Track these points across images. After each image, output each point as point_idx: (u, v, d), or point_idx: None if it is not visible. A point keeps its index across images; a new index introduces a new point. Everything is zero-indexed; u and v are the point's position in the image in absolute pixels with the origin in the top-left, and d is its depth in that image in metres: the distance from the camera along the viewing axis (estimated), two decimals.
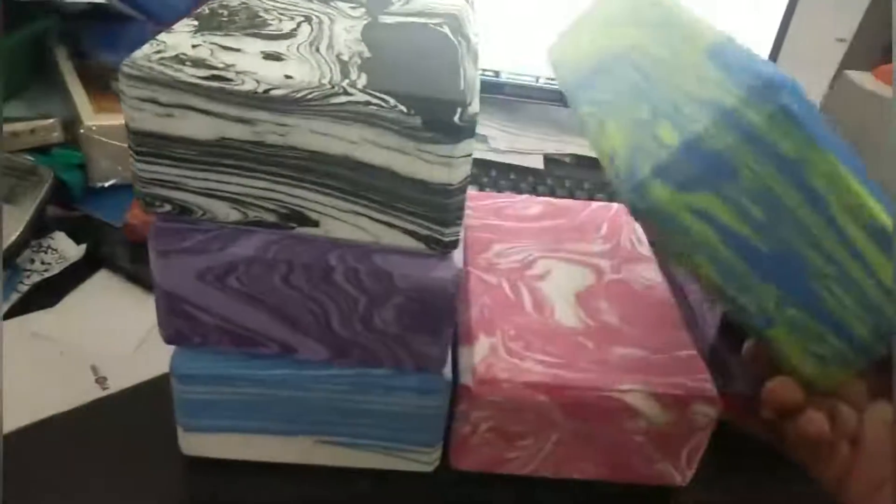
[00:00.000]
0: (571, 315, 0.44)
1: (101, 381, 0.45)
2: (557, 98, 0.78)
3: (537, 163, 0.74)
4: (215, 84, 0.29)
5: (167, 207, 0.32)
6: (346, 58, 0.32)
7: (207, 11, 0.36)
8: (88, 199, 0.61)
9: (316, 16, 0.37)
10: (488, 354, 0.40)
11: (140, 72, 0.30)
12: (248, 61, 0.30)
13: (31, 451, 0.40)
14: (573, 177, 0.72)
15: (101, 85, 0.66)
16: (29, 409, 0.42)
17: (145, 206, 0.33)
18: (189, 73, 0.29)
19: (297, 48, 0.33)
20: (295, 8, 0.38)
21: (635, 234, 0.54)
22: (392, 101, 0.29)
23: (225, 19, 0.35)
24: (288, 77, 0.30)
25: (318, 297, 0.34)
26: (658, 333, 0.43)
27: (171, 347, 0.37)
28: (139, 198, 0.32)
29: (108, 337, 0.48)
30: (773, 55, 0.76)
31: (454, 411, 0.39)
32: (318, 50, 0.33)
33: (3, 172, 0.53)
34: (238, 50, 0.31)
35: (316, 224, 0.32)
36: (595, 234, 0.54)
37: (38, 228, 0.54)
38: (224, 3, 0.37)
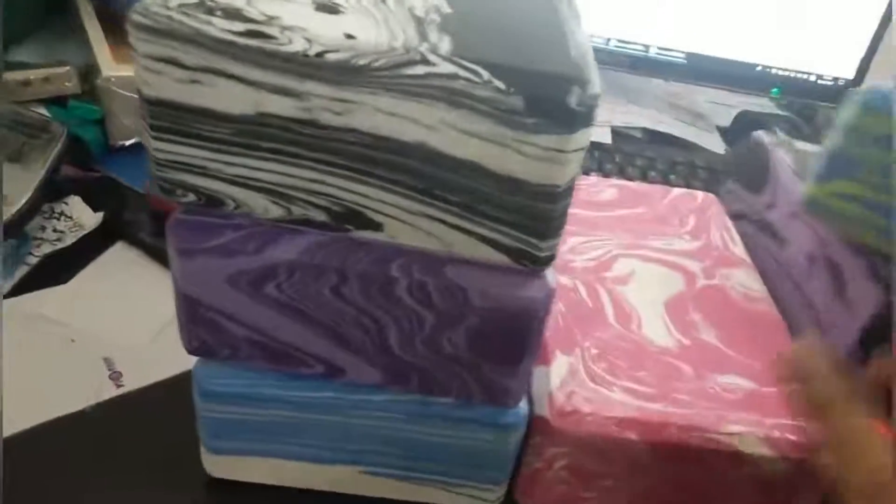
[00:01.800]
0: (661, 330, 0.37)
1: (115, 376, 0.39)
2: (628, 63, 0.69)
3: (604, 136, 0.66)
4: (253, 42, 0.22)
5: (190, 197, 0.26)
6: (420, 13, 0.25)
7: None
8: (108, 159, 0.54)
9: None
10: (568, 379, 0.33)
11: (155, 22, 0.23)
12: (295, 13, 0.23)
13: (37, 457, 0.35)
14: (644, 154, 0.64)
15: (122, 32, 0.59)
16: (36, 408, 0.37)
17: (162, 192, 0.26)
18: (219, 27, 0.22)
19: None
20: None
21: (728, 231, 0.46)
22: (485, 75, 0.22)
23: None
24: (349, 37, 0.23)
25: (374, 313, 0.27)
26: (767, 358, 0.36)
27: None
28: (154, 183, 0.26)
29: (125, 323, 0.42)
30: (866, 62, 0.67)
31: (525, 443, 0.33)
32: (383, 1, 0.26)
33: (10, 127, 0.47)
34: None
35: (378, 227, 0.26)
36: (681, 227, 0.46)
37: (51, 192, 0.48)
38: None
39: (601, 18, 0.68)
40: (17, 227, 0.45)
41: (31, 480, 0.34)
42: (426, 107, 0.23)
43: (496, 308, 0.27)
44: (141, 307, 0.44)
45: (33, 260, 0.45)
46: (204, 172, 0.25)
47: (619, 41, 0.68)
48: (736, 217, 0.48)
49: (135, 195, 0.52)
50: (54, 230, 0.47)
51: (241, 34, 0.22)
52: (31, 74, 0.52)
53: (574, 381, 0.33)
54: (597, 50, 0.69)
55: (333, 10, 0.24)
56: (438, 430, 0.31)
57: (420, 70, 0.22)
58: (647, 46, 0.68)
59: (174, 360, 0.40)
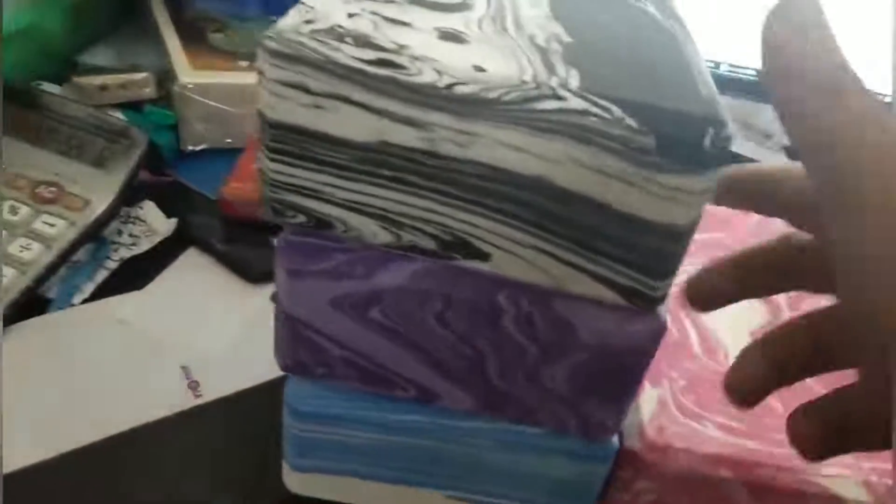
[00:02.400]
0: None
1: (193, 385, 0.40)
2: (739, 88, 0.68)
3: None
4: (383, 72, 0.22)
5: (301, 218, 0.26)
6: (542, 43, 0.25)
7: None
8: (178, 163, 0.55)
9: None
10: (658, 412, 0.33)
11: (289, 48, 0.23)
12: (422, 42, 0.23)
13: (113, 466, 0.35)
14: None
15: (197, 37, 0.59)
16: (110, 416, 0.37)
17: (273, 214, 0.26)
18: (350, 55, 0.22)
19: (479, 25, 0.25)
20: None
21: None
22: (617, 112, 0.22)
23: None
24: (479, 69, 0.22)
25: (476, 341, 0.27)
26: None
27: (270, 352, 0.31)
28: (266, 204, 0.26)
29: (202, 331, 0.43)
30: None
31: (612, 476, 0.32)
32: (504, 29, 0.25)
33: (90, 132, 0.48)
34: (407, 24, 0.24)
35: (485, 257, 0.25)
36: None
37: (128, 197, 0.49)
38: None
39: (712, 42, 0.67)
40: (98, 231, 0.45)
41: (107, 491, 0.34)
42: (551, 142, 0.22)
43: (604, 344, 0.26)
44: (216, 315, 0.44)
45: (112, 264, 0.46)
46: (318, 196, 0.25)
47: (732, 66, 0.67)
48: None
49: (205, 201, 0.52)
50: (130, 235, 0.48)
51: (371, 62, 0.22)
52: (109, 80, 0.53)
53: (664, 415, 0.33)
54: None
55: (458, 39, 0.24)
56: (527, 459, 0.31)
57: (550, 105, 0.22)
58: (717, 63, 0.67)
59: (251, 370, 0.40)
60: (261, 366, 0.40)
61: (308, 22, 0.23)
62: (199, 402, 0.39)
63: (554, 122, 0.22)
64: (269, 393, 0.39)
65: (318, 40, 0.22)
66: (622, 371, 0.27)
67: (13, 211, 0.43)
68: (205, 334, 0.42)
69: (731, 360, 0.37)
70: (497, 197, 0.24)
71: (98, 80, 0.53)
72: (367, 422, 0.30)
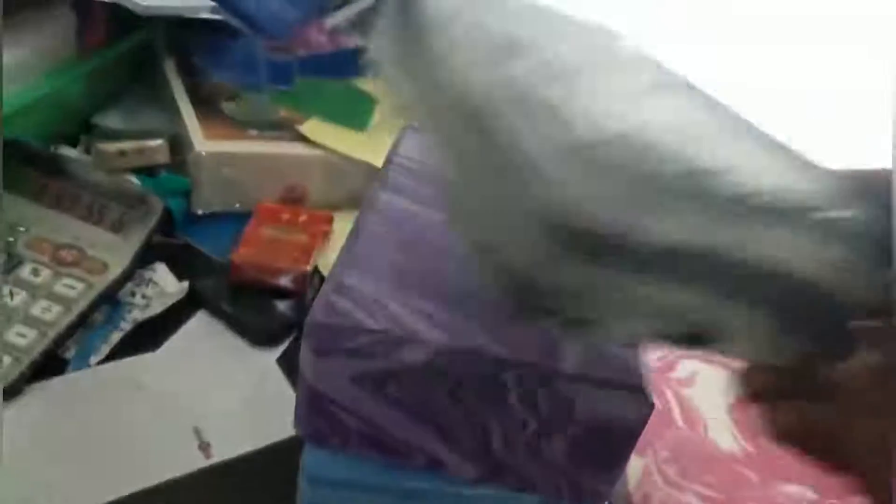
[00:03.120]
0: (727, 434, 0.40)
1: (204, 447, 0.41)
2: None
3: None
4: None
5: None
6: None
7: None
8: (188, 226, 0.58)
9: None
10: (643, 480, 0.35)
11: None
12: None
13: None
14: None
15: (209, 105, 0.63)
16: (123, 476, 0.39)
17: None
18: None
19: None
20: None
21: None
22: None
23: None
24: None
25: (483, 416, 0.30)
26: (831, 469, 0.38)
27: (281, 412, 0.33)
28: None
29: (212, 393, 0.45)
30: None
31: None
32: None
33: (111, 198, 0.51)
34: None
35: (723, 343, 0.26)
36: None
37: (143, 260, 0.51)
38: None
39: None
40: (114, 294, 0.48)
41: None
42: (826, 245, 0.24)
43: (599, 420, 0.29)
44: (227, 377, 0.46)
45: (126, 326, 0.48)
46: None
47: None
48: None
49: (214, 264, 0.55)
50: (143, 296, 0.50)
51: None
52: (127, 146, 0.56)
53: (649, 483, 0.35)
54: None
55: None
56: None
57: (833, 214, 0.24)
58: None
59: (262, 431, 0.42)
60: (269, 427, 0.42)
61: None
62: (211, 462, 0.41)
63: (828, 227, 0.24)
64: (277, 454, 0.41)
65: None
66: (614, 444, 0.30)
67: (35, 273, 0.46)
68: (215, 396, 0.45)
69: (711, 432, 0.40)
70: (757, 292, 0.25)
71: (116, 146, 0.56)
72: (381, 488, 0.33)
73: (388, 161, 0.42)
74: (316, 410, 0.31)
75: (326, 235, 0.58)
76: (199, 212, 0.59)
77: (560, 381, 0.29)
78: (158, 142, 0.57)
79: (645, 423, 0.30)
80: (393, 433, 0.31)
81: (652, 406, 0.29)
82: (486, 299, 0.31)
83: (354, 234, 0.35)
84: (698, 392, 0.42)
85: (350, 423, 0.31)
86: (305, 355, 0.30)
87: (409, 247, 0.34)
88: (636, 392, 0.29)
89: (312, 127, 0.64)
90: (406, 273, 0.33)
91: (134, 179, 0.56)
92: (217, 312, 0.51)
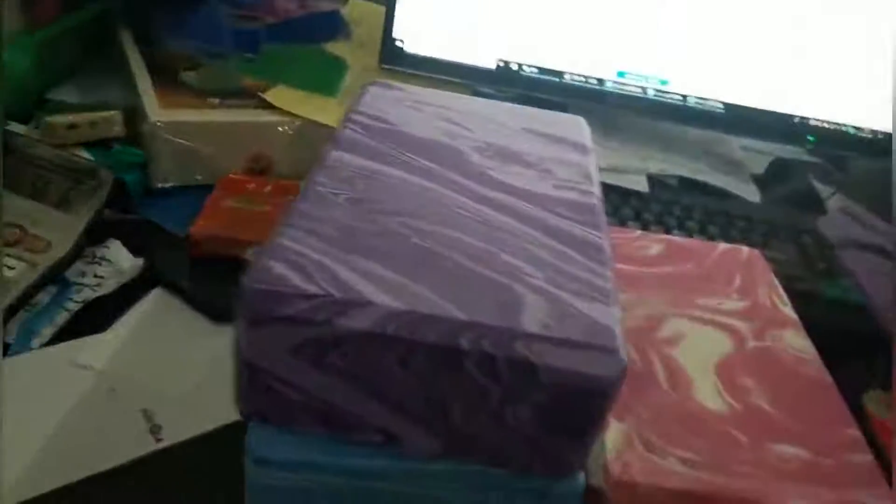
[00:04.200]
0: (713, 394, 0.37)
1: (154, 430, 0.39)
2: (667, 113, 0.69)
3: (641, 184, 0.66)
4: None
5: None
6: None
7: None
8: (146, 201, 0.55)
9: None
10: (622, 447, 0.33)
11: None
12: None
13: None
14: (680, 202, 0.64)
15: (168, 75, 0.60)
16: (72, 461, 0.36)
17: None
18: None
19: None
20: None
21: (775, 290, 0.46)
22: None
23: None
24: None
25: (439, 385, 0.27)
26: (822, 427, 0.36)
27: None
28: None
29: (165, 373, 0.42)
30: None
31: None
32: None
33: (56, 172, 0.48)
34: None
35: None
36: (728, 286, 0.46)
37: (92, 236, 0.48)
38: None
39: (640, 68, 0.68)
40: (59, 273, 0.45)
41: None
42: None
43: (565, 385, 0.26)
44: (181, 357, 0.43)
45: (74, 306, 0.45)
46: None
47: (657, 91, 0.69)
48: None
49: (173, 239, 0.52)
50: (95, 275, 0.47)
51: None
52: (78, 118, 0.53)
53: (629, 451, 0.33)
54: (636, 99, 0.70)
55: None
56: (492, 500, 0.31)
57: None
58: (685, 97, 0.68)
59: (215, 413, 0.39)
60: (225, 406, 0.39)
61: None
62: (161, 446, 0.38)
63: None
64: (233, 434, 0.39)
65: None
66: (585, 410, 0.27)
67: None
68: (168, 377, 0.42)
69: (696, 393, 0.37)
70: None
71: (67, 118, 0.53)
72: (330, 467, 0.30)
73: (346, 119, 0.39)
74: (256, 387, 0.28)
75: None
76: (159, 185, 0.56)
77: (521, 343, 0.26)
78: (112, 113, 0.54)
79: (618, 384, 0.27)
80: (341, 407, 0.28)
81: (625, 367, 0.27)
82: (437, 262, 0.29)
83: (300, 195, 0.32)
84: (684, 352, 0.39)
85: (294, 399, 0.28)
86: (240, 326, 0.27)
87: (359, 205, 0.31)
88: (606, 351, 0.26)
89: (278, 94, 0.61)
90: (354, 233, 0.30)
91: (86, 154, 0.53)
92: (175, 289, 0.48)
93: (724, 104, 0.68)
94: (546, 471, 0.29)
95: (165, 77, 0.59)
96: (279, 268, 0.27)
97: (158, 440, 0.38)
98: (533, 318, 0.27)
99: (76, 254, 0.45)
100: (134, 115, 0.56)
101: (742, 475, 0.32)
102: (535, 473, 0.29)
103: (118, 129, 0.55)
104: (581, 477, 0.31)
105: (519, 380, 0.26)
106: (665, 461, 0.32)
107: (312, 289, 0.26)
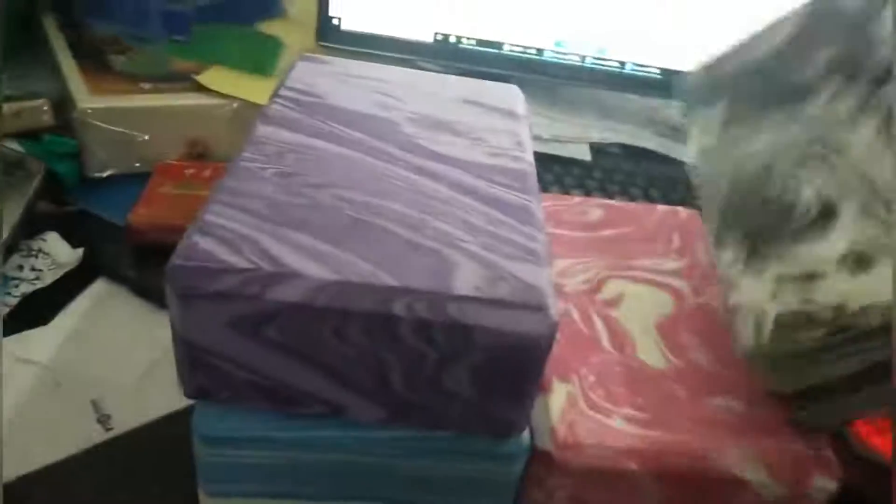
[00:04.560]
0: (655, 352, 0.38)
1: (104, 419, 0.38)
2: (605, 80, 0.70)
3: (583, 153, 0.67)
4: None
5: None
6: None
7: None
8: (82, 192, 0.53)
9: None
10: (567, 409, 0.33)
11: None
12: None
13: None
14: (622, 169, 0.65)
15: (96, 60, 0.58)
16: (22, 456, 0.36)
17: None
18: None
19: None
20: None
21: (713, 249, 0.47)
22: None
23: None
24: None
25: (376, 352, 0.27)
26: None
27: None
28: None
29: (111, 363, 0.42)
30: None
31: (526, 473, 0.33)
32: None
33: None
34: None
35: None
36: (667, 246, 0.47)
37: (27, 229, 0.47)
38: None
39: (577, 37, 0.69)
40: None
41: None
42: None
43: (499, 344, 0.27)
44: (126, 346, 0.43)
45: (12, 301, 0.44)
46: None
47: (595, 59, 0.69)
48: None
49: (113, 229, 0.51)
50: (32, 269, 0.46)
51: None
52: (3, 108, 0.51)
53: (574, 411, 0.33)
54: (573, 68, 0.70)
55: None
56: (440, 464, 0.31)
57: None
58: (622, 63, 0.69)
59: (163, 399, 0.39)
60: (174, 393, 0.39)
61: None
62: (111, 435, 0.38)
63: None
64: (184, 420, 0.38)
65: None
66: (520, 368, 0.28)
67: None
68: (115, 366, 0.41)
69: (639, 352, 0.38)
70: None
71: None
72: (277, 441, 0.30)
73: (275, 94, 0.39)
74: (195, 364, 0.28)
75: None
76: (95, 175, 0.54)
77: (453, 305, 0.26)
78: (39, 101, 0.53)
79: (550, 341, 0.27)
80: (282, 380, 0.28)
81: (556, 324, 0.27)
82: (369, 231, 0.29)
83: (227, 171, 0.32)
84: (625, 312, 0.40)
85: (235, 375, 0.28)
86: (173, 305, 0.27)
87: (288, 179, 0.31)
88: (537, 310, 0.27)
89: (212, 76, 0.59)
90: (282, 206, 0.29)
91: (16, 146, 0.52)
92: (118, 278, 0.47)
93: (661, 69, 0.69)
94: (488, 432, 0.30)
95: (93, 62, 0.58)
96: (207, 243, 0.27)
97: (108, 429, 0.38)
98: (465, 281, 0.27)
99: (12, 247, 0.44)
100: (63, 103, 0.54)
101: (684, 430, 0.33)
102: (479, 435, 0.30)
103: (47, 119, 0.53)
104: (525, 437, 0.31)
105: (454, 342, 0.27)
106: (610, 420, 0.33)
107: (241, 263, 0.26)
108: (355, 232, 0.29)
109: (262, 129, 0.34)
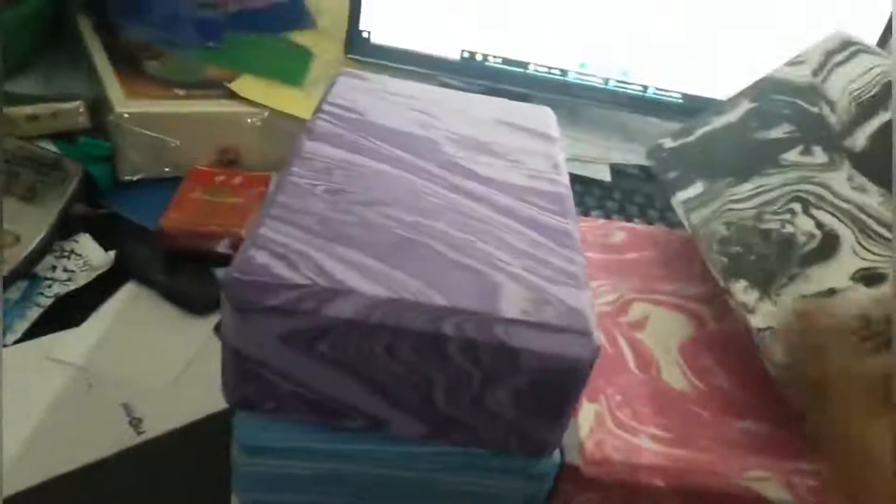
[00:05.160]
0: (678, 375, 0.39)
1: (135, 423, 0.39)
2: (627, 103, 0.71)
3: (603, 174, 0.68)
4: None
5: None
6: None
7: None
8: (115, 195, 0.54)
9: None
10: (595, 427, 0.34)
11: None
12: None
13: None
14: (642, 191, 0.66)
15: (130, 64, 0.59)
16: (52, 458, 0.36)
17: None
18: None
19: None
20: None
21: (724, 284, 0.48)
22: None
23: None
24: None
25: (423, 370, 0.28)
26: (778, 401, 0.38)
27: (215, 384, 0.31)
28: None
29: (142, 366, 0.42)
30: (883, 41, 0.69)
31: (554, 489, 0.34)
32: None
33: (22, 165, 0.47)
34: None
35: None
36: (688, 271, 0.48)
37: (62, 230, 0.48)
38: None
39: (601, 59, 0.70)
40: (29, 269, 0.44)
41: None
42: None
43: (543, 367, 0.28)
44: (158, 349, 0.44)
45: (45, 301, 0.45)
46: None
47: (618, 82, 0.70)
48: None
49: (144, 232, 0.52)
50: (65, 270, 0.47)
51: None
52: (40, 109, 0.52)
53: (601, 430, 0.34)
54: (596, 89, 0.72)
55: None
56: (475, 479, 0.32)
57: None
58: (645, 87, 0.70)
59: (195, 404, 0.40)
60: (204, 398, 0.40)
61: None
62: (142, 439, 0.38)
63: None
64: (214, 425, 0.39)
65: None
66: (560, 390, 0.28)
67: None
68: (146, 370, 0.42)
69: (663, 373, 0.39)
70: None
71: (27, 109, 0.52)
72: (316, 453, 0.31)
73: (318, 109, 0.40)
74: (243, 375, 0.29)
75: (263, 197, 0.55)
76: (127, 178, 0.55)
77: (501, 327, 0.27)
78: (75, 103, 0.53)
79: (591, 365, 0.28)
80: (329, 394, 0.29)
81: (598, 348, 0.28)
82: (416, 250, 0.30)
83: (277, 186, 0.32)
84: (650, 334, 0.41)
85: (282, 386, 0.29)
86: (227, 316, 0.28)
87: (336, 195, 0.32)
88: (580, 334, 0.28)
89: (244, 84, 0.60)
90: (333, 223, 0.30)
91: (51, 147, 0.52)
92: (148, 282, 0.48)
93: (683, 94, 0.70)
94: (524, 450, 0.31)
95: (128, 66, 0.59)
96: (263, 257, 0.28)
97: (140, 433, 0.38)
98: (511, 303, 0.28)
99: (46, 248, 0.45)
100: (98, 105, 0.55)
101: (706, 449, 0.34)
102: (514, 453, 0.31)
103: (82, 121, 0.54)
104: (557, 455, 0.32)
105: (499, 363, 0.28)
106: (636, 438, 0.34)
107: (298, 278, 0.27)
108: (403, 250, 0.30)
109: (309, 145, 0.35)
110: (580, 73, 0.70)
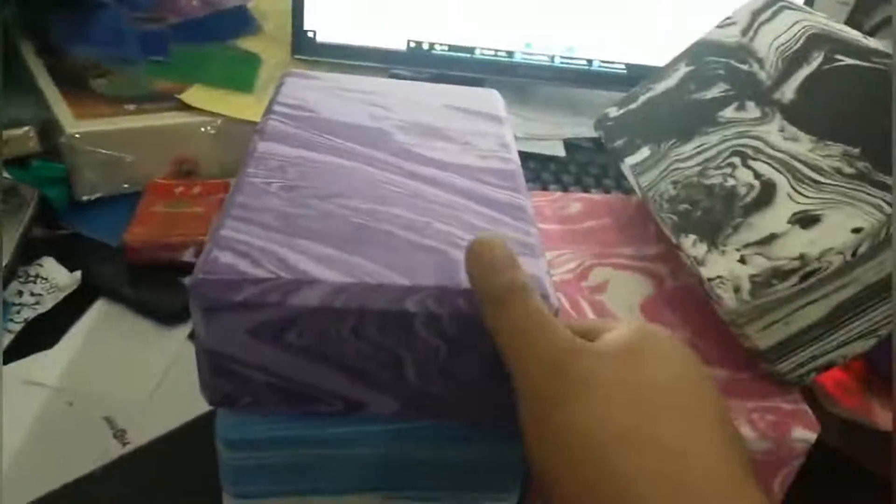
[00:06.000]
0: None
1: (119, 434, 0.40)
2: (573, 78, 0.73)
3: (558, 149, 0.69)
4: None
5: None
6: None
7: None
8: (73, 215, 0.54)
9: None
10: None
11: None
12: None
13: None
14: (596, 162, 0.68)
15: (77, 84, 0.59)
16: (42, 476, 0.37)
17: None
18: None
19: None
20: None
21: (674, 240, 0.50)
22: None
23: None
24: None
25: (391, 348, 0.29)
26: (737, 348, 0.40)
27: (195, 389, 0.31)
28: None
29: (120, 380, 0.43)
30: None
31: None
32: None
33: None
34: None
35: None
36: (644, 233, 0.50)
37: (24, 255, 0.48)
38: None
39: (546, 38, 0.71)
40: None
41: None
42: None
43: None
44: (134, 362, 0.44)
45: (15, 327, 0.45)
46: None
47: (564, 58, 0.72)
48: None
49: (107, 249, 0.52)
50: (32, 294, 0.47)
51: None
52: None
53: None
54: (543, 68, 0.73)
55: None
56: (453, 450, 0.33)
57: None
58: (590, 61, 0.72)
59: (176, 410, 0.40)
60: (186, 403, 0.41)
61: None
62: (128, 449, 0.39)
63: None
64: (199, 428, 0.40)
65: None
66: None
67: None
68: (125, 382, 0.42)
69: None
70: None
71: None
72: (301, 440, 0.32)
73: (268, 111, 0.40)
74: (218, 372, 0.30)
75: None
76: (85, 198, 0.55)
77: (462, 299, 0.28)
78: (24, 129, 0.53)
79: None
80: (303, 381, 0.30)
81: (557, 310, 0.29)
82: (375, 236, 0.31)
83: (235, 188, 0.33)
84: (611, 296, 0.43)
85: (257, 379, 0.30)
86: (196, 318, 0.28)
87: (293, 191, 0.33)
88: (540, 298, 0.29)
89: (195, 94, 0.61)
90: (292, 217, 0.31)
91: (4, 173, 0.52)
92: (117, 298, 0.48)
93: (627, 65, 0.72)
94: (497, 419, 0.32)
95: (75, 86, 0.58)
96: (226, 257, 0.28)
97: (125, 444, 0.39)
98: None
99: (11, 274, 0.45)
100: (48, 128, 0.55)
101: None
102: (488, 422, 0.32)
103: (33, 145, 0.54)
104: None
105: (464, 334, 0.29)
106: None
107: (261, 273, 0.28)
108: (362, 237, 0.31)
109: (262, 145, 0.36)
110: (526, 53, 0.71)
